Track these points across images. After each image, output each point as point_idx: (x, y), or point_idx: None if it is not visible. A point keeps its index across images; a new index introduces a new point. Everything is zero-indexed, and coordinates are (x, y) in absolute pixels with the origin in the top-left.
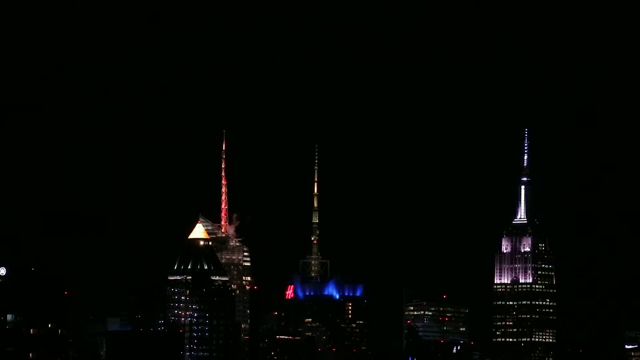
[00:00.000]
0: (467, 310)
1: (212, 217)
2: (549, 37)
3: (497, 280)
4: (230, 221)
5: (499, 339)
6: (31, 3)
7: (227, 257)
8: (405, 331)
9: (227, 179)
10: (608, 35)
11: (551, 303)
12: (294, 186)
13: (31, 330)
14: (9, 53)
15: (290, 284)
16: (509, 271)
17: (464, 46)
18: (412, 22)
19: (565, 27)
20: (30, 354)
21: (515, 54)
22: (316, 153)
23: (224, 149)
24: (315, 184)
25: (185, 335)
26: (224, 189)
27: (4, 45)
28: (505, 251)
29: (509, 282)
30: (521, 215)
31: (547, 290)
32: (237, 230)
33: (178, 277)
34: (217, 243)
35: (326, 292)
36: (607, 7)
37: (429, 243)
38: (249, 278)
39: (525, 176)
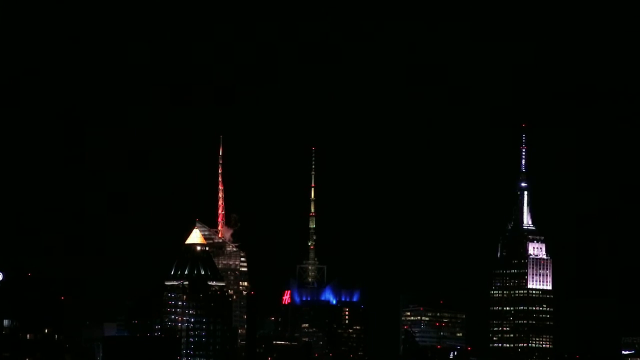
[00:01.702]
0: (464, 316)
1: (209, 223)
2: (549, 37)
3: (494, 286)
4: (228, 223)
5: (496, 345)
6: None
7: (224, 262)
8: (402, 336)
9: (224, 184)
10: (608, 35)
11: (548, 308)
12: (291, 192)
13: (28, 336)
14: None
15: (287, 289)
16: (506, 276)
17: (464, 46)
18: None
19: (565, 27)
20: (27, 359)
21: (514, 55)
22: (313, 158)
23: (220, 154)
24: (312, 189)
25: (182, 340)
26: (220, 194)
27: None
28: (502, 256)
29: (506, 287)
30: (518, 220)
31: (544, 296)
32: (233, 234)
33: (175, 283)
34: (214, 248)
35: (323, 298)
36: (605, 7)
37: (426, 248)
38: (245, 283)
39: (523, 182)
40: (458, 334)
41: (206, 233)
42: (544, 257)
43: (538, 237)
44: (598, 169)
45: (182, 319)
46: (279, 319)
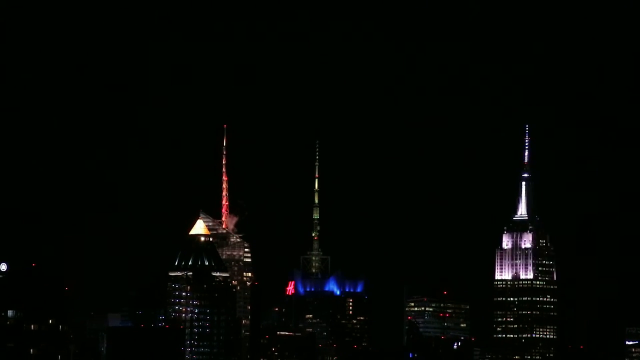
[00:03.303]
0: (468, 307)
1: (213, 213)
2: (550, 36)
3: (498, 277)
4: (234, 210)
5: (500, 335)
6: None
7: (227, 253)
8: (406, 327)
9: (228, 175)
10: (608, 32)
11: (552, 299)
12: (295, 182)
13: (32, 326)
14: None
15: (291, 280)
16: (509, 267)
17: (466, 44)
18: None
19: (566, 25)
20: (31, 350)
21: (516, 51)
22: (317, 149)
23: (224, 144)
24: (316, 180)
25: (186, 331)
26: (224, 185)
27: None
28: (506, 247)
29: (509, 278)
30: (522, 211)
31: (548, 286)
32: (238, 225)
33: (179, 273)
34: (218, 239)
35: (327, 288)
36: (605, 6)
37: (429, 239)
38: (249, 274)
39: (526, 172)
40: (462, 325)
41: (210, 224)
42: (548, 247)
43: (542, 228)
44: (600, 160)
45: (186, 309)
46: (283, 310)
